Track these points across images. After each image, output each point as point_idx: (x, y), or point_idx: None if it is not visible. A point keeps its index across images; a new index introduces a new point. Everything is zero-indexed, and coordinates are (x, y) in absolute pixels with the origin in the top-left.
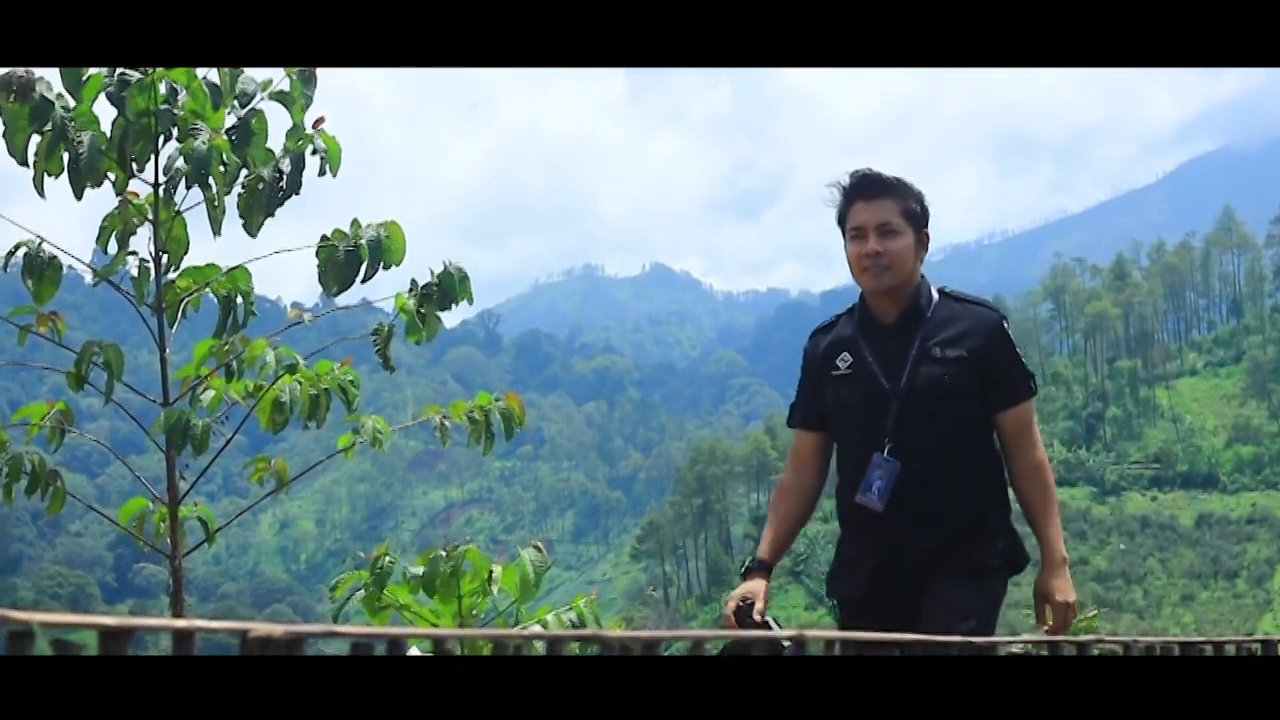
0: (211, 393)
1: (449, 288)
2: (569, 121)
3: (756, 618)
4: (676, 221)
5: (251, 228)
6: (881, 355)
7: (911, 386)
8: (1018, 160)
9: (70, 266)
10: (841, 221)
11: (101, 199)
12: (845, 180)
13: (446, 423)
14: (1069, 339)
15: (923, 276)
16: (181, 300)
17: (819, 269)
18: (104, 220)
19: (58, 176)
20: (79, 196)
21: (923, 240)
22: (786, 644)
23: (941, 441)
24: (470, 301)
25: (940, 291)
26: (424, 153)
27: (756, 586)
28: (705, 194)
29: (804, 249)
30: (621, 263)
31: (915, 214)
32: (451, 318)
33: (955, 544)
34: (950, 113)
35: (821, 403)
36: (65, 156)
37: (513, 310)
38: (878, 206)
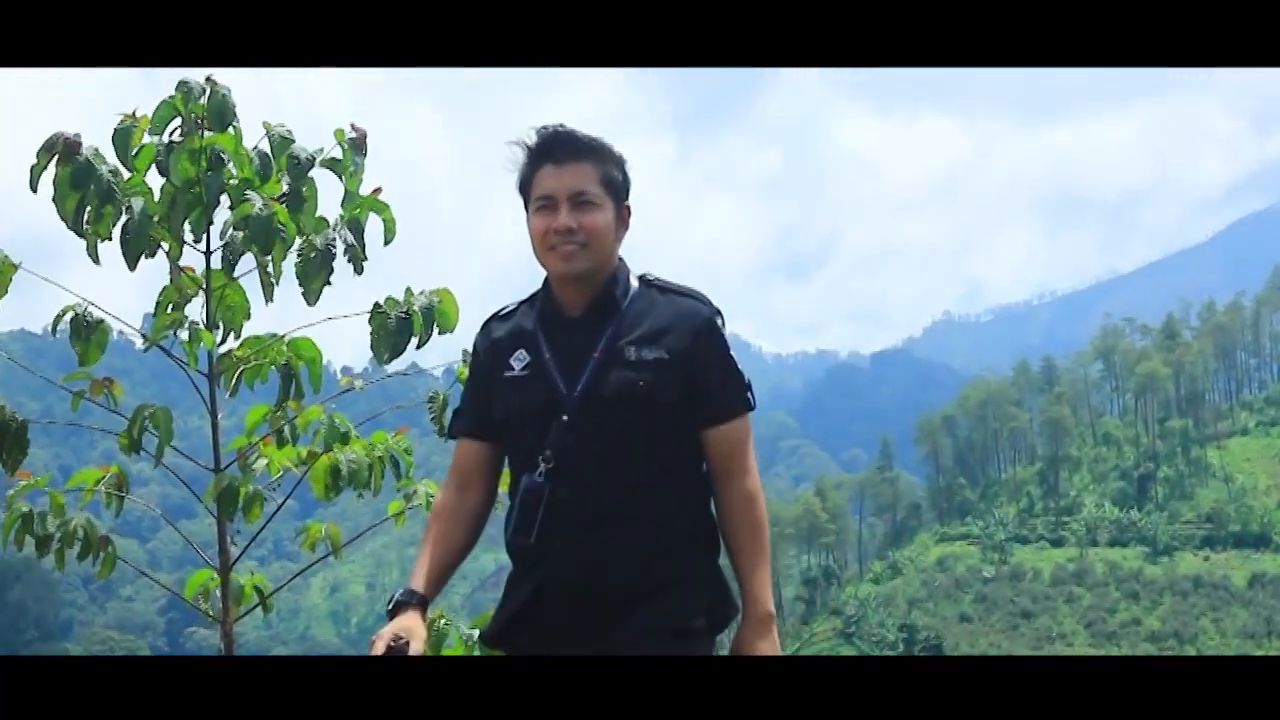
0: (264, 460)
1: None
2: None
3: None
4: (726, 283)
5: (310, 296)
6: (562, 355)
7: (590, 393)
8: (1068, 220)
9: (121, 332)
10: (524, 189)
11: (158, 266)
12: (530, 138)
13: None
14: (1120, 399)
15: (621, 260)
16: (239, 369)
17: (869, 330)
18: (160, 295)
19: (105, 240)
20: (132, 267)
21: (624, 216)
22: None
23: (625, 463)
24: None
25: (642, 280)
26: (475, 216)
27: (411, 623)
28: (755, 255)
29: (854, 310)
30: None
31: (617, 183)
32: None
33: (645, 596)
34: (999, 173)
35: (493, 408)
36: (121, 221)
37: None
38: (572, 172)
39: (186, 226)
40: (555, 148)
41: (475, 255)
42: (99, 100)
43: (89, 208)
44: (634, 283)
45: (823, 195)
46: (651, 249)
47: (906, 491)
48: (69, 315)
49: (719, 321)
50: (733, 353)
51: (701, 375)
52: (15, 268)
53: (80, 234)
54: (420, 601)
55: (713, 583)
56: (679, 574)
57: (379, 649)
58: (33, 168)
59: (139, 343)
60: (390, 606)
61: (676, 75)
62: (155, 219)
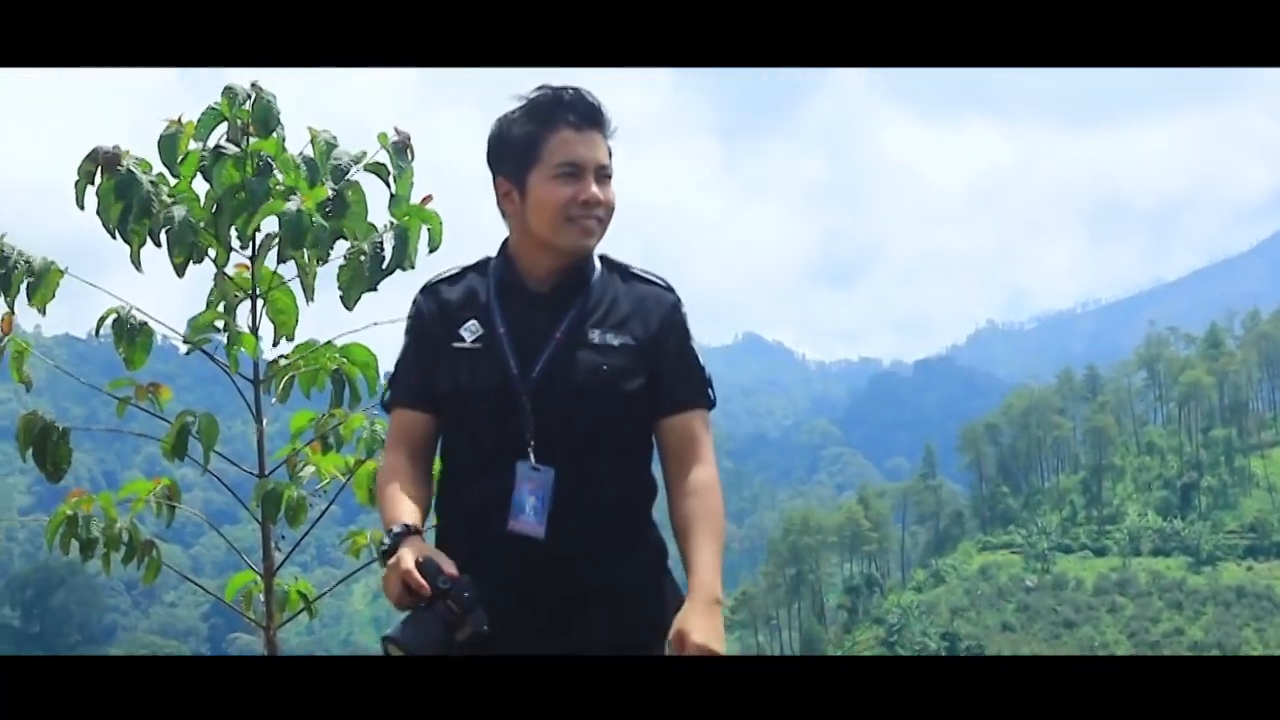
0: (311, 468)
1: None
2: (662, 192)
3: (454, 571)
4: (769, 291)
5: (349, 301)
6: (519, 331)
7: (550, 375)
8: (1111, 228)
9: (165, 337)
10: (528, 148)
11: (207, 273)
12: (541, 95)
13: None
14: (1163, 408)
15: None
16: (289, 375)
17: (912, 338)
18: (209, 297)
19: (140, 248)
20: (180, 274)
21: None
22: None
23: (584, 450)
24: None
25: (604, 260)
26: None
27: (425, 548)
28: (798, 263)
29: (897, 318)
30: (714, 332)
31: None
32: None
33: (602, 593)
34: (1043, 180)
35: (436, 380)
36: (164, 232)
37: None
38: (594, 141)
39: (233, 233)
40: (576, 111)
41: None
42: (131, 102)
43: (131, 216)
44: (596, 263)
45: (866, 202)
46: (695, 254)
47: (949, 500)
48: (112, 318)
49: (683, 310)
50: (695, 346)
51: (663, 363)
52: (61, 274)
53: (127, 241)
54: (417, 533)
55: (666, 579)
56: (636, 572)
57: (407, 565)
58: (76, 184)
59: (184, 348)
60: (386, 546)
61: (721, 80)
62: (201, 225)
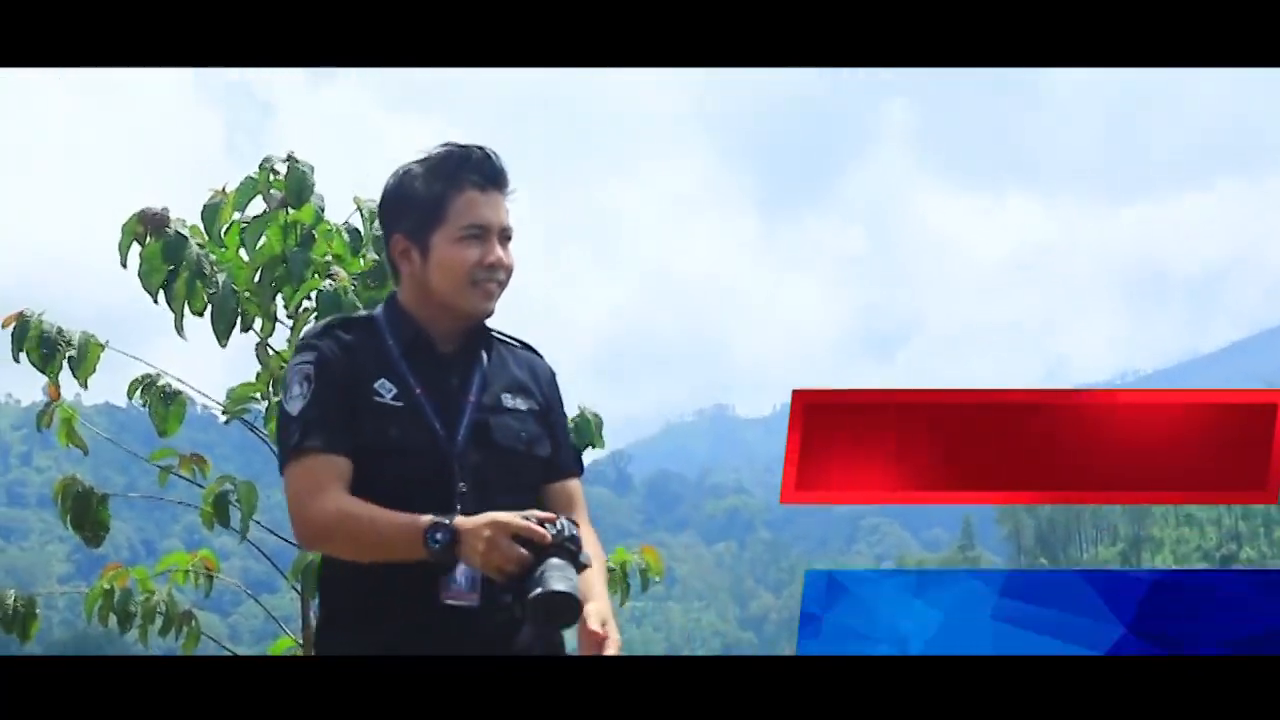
0: None
1: (585, 432)
2: (702, 263)
3: (547, 514)
4: (808, 362)
5: None
6: (434, 393)
7: (473, 440)
8: (1151, 299)
9: (205, 406)
10: (433, 208)
11: (253, 340)
12: (448, 152)
13: None
14: None
15: None
16: None
17: None
18: (258, 373)
19: (200, 315)
20: (223, 343)
21: None
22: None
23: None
24: (602, 446)
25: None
26: (560, 295)
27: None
28: (837, 334)
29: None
30: (753, 403)
31: None
32: (583, 458)
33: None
34: (1083, 253)
35: (354, 430)
36: (208, 296)
37: (643, 451)
38: (498, 202)
39: (279, 302)
40: (482, 171)
41: (562, 331)
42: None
43: (178, 281)
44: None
45: (905, 275)
46: (735, 326)
47: None
48: (144, 383)
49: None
50: None
51: (553, 431)
52: (101, 347)
53: (170, 307)
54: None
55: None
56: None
57: (519, 521)
58: (120, 243)
59: (223, 417)
60: (442, 540)
61: (761, 153)
62: (245, 294)
